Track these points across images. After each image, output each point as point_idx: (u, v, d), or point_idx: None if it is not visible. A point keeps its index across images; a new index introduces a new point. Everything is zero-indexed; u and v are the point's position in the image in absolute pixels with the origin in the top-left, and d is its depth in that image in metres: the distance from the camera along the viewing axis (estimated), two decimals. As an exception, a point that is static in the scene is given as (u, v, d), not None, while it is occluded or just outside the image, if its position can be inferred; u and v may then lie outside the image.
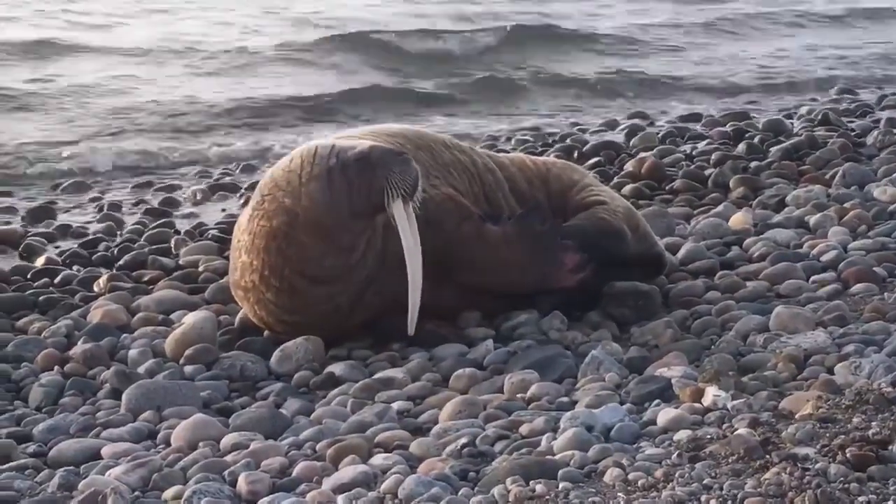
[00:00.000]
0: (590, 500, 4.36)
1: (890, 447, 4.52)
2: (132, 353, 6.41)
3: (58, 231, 9.04)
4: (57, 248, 8.56)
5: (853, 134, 11.13)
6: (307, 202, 6.25)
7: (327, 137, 6.92)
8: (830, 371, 5.57)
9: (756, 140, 10.87)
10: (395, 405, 5.64)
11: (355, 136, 6.72)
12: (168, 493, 4.83)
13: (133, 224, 9.17)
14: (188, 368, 6.24)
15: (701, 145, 10.99)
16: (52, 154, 11.76)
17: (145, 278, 7.68)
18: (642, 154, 10.42)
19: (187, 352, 6.32)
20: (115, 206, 9.81)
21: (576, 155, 10.60)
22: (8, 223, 9.36)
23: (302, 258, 6.28)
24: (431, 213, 6.42)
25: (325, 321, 6.35)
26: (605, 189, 7.47)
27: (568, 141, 11.62)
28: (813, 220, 8.14)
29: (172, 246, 8.38)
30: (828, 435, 4.68)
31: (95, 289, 7.55)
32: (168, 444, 5.41)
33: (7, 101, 13.73)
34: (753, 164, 9.99)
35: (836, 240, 7.64)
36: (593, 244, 6.63)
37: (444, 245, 6.43)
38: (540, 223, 6.58)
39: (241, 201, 9.70)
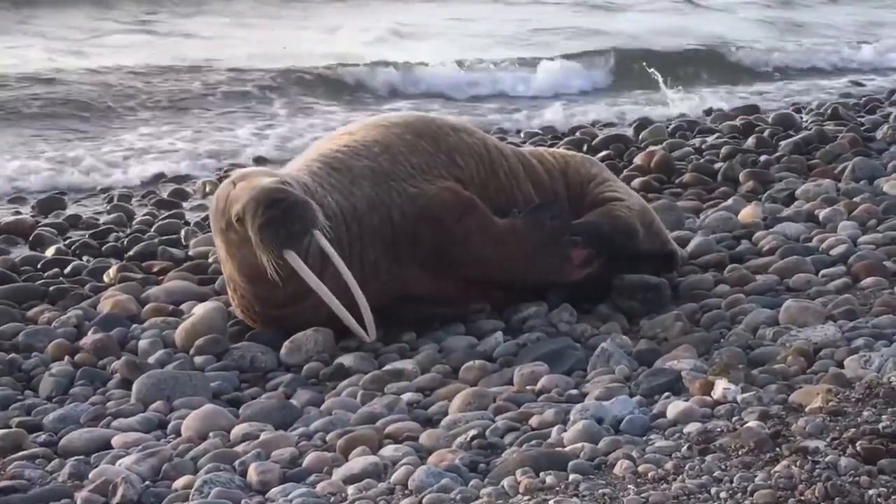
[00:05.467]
0: (600, 491, 4.37)
1: (900, 441, 4.53)
2: (142, 343, 6.42)
3: (68, 221, 9.04)
4: (67, 238, 8.55)
5: (863, 128, 11.11)
6: (223, 255, 6.33)
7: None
8: (840, 365, 5.56)
9: (766, 134, 10.86)
10: (405, 396, 5.64)
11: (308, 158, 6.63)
12: (178, 483, 4.85)
13: (143, 215, 9.18)
14: (198, 359, 6.25)
15: (710, 139, 10.97)
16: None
17: (155, 269, 7.68)
18: (651, 147, 10.39)
19: (197, 342, 6.33)
20: (125, 197, 9.82)
21: (585, 148, 10.55)
22: (18, 213, 9.37)
23: (257, 297, 6.32)
24: (425, 208, 6.41)
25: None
26: (622, 185, 7.45)
27: (577, 134, 11.61)
28: (822, 214, 8.13)
29: (182, 237, 8.38)
30: (838, 428, 4.68)
31: (105, 279, 7.55)
32: (178, 434, 5.42)
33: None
34: (763, 158, 9.96)
35: (846, 234, 7.63)
36: (604, 241, 6.63)
37: (444, 240, 6.41)
38: (550, 218, 6.57)
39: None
